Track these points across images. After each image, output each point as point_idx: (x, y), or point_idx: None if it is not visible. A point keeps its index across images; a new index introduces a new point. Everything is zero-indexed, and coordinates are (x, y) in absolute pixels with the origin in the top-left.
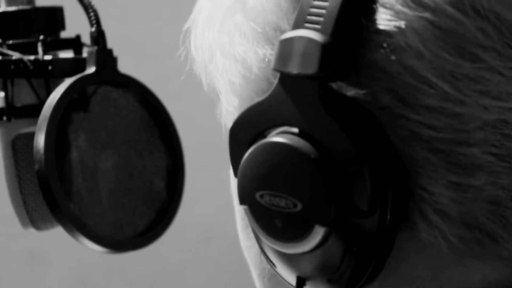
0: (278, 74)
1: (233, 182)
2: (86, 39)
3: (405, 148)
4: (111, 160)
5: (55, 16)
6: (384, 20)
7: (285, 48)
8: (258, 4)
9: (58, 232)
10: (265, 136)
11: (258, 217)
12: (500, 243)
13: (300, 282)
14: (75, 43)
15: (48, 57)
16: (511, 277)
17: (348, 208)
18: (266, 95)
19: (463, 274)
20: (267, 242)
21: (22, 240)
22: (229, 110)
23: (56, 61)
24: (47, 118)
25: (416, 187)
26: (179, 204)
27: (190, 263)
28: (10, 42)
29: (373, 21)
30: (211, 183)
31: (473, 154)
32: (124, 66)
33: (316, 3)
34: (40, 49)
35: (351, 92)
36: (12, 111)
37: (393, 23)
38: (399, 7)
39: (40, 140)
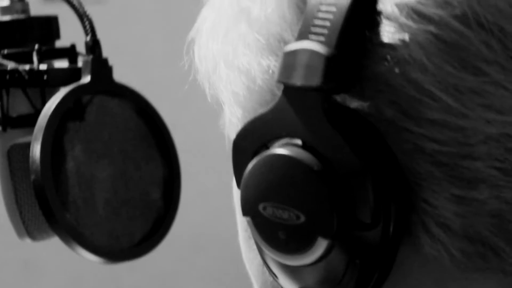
0: (282, 86)
1: (236, 193)
2: (81, 48)
3: (408, 161)
4: (107, 170)
5: (50, 25)
6: (388, 32)
7: (289, 60)
8: (262, 15)
9: (53, 242)
10: (268, 148)
11: (261, 229)
12: (503, 257)
13: None
14: (70, 52)
15: (43, 67)
16: None
17: (351, 220)
18: (270, 106)
19: None
20: (269, 254)
21: (17, 250)
22: (233, 121)
23: (51, 70)
24: (43, 128)
25: (419, 200)
26: (175, 214)
27: (184, 271)
28: (5, 51)
29: (377, 33)
30: (203, 190)
31: (476, 168)
32: (119, 75)
33: (321, 15)
34: (35, 59)
35: (354, 104)
36: (7, 121)
37: (397, 36)
38: (403, 20)
39: (36, 150)
